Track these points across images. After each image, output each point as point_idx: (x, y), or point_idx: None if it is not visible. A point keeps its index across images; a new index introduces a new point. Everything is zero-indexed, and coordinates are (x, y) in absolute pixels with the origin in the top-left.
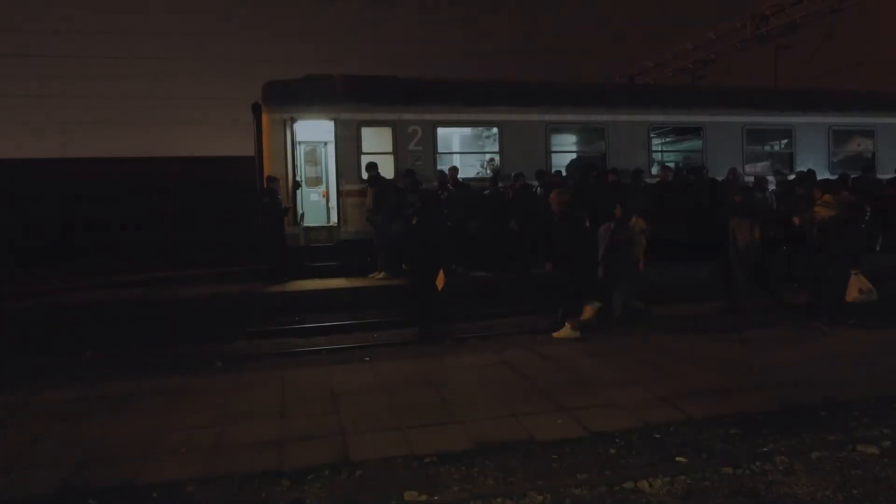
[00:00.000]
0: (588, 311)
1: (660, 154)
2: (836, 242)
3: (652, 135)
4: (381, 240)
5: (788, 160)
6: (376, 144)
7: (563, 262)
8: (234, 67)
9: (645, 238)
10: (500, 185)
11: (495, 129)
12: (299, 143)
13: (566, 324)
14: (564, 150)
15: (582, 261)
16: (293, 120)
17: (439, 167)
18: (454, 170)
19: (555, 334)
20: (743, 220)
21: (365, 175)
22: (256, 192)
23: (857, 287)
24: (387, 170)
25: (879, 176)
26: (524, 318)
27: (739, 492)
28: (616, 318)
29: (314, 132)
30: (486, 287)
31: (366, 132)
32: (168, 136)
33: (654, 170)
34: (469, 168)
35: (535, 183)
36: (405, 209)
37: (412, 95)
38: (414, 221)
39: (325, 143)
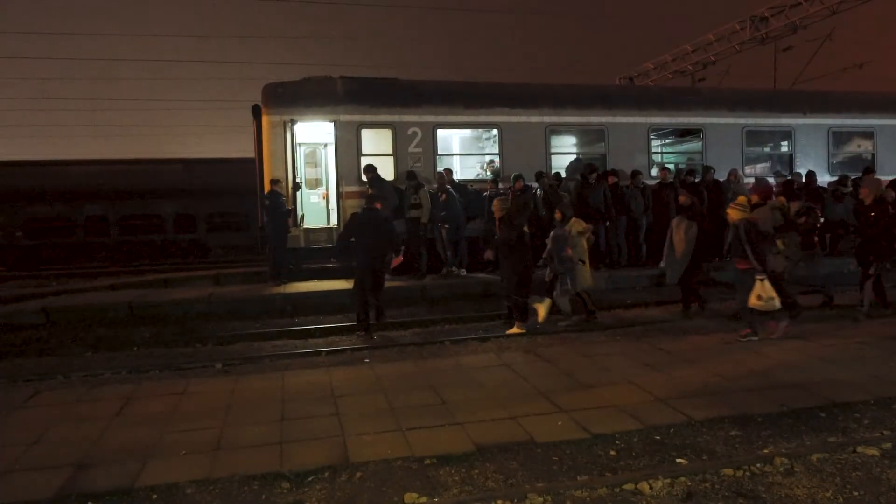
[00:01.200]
0: (541, 311)
1: (660, 155)
2: (742, 246)
3: (652, 136)
4: None
5: (788, 161)
6: (376, 146)
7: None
8: (233, 70)
9: (586, 240)
10: (500, 186)
11: (495, 131)
12: (299, 144)
13: (516, 323)
14: (564, 152)
15: (512, 265)
16: (293, 122)
17: (439, 169)
18: (448, 171)
19: (508, 331)
20: (682, 221)
21: (365, 177)
22: (259, 194)
23: (756, 293)
24: (387, 171)
25: (878, 177)
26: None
27: (740, 493)
28: (584, 318)
29: (314, 134)
30: (486, 288)
31: (366, 134)
32: (168, 137)
33: (654, 171)
34: (469, 170)
35: (535, 184)
36: (407, 210)
37: (412, 97)
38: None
39: (325, 145)
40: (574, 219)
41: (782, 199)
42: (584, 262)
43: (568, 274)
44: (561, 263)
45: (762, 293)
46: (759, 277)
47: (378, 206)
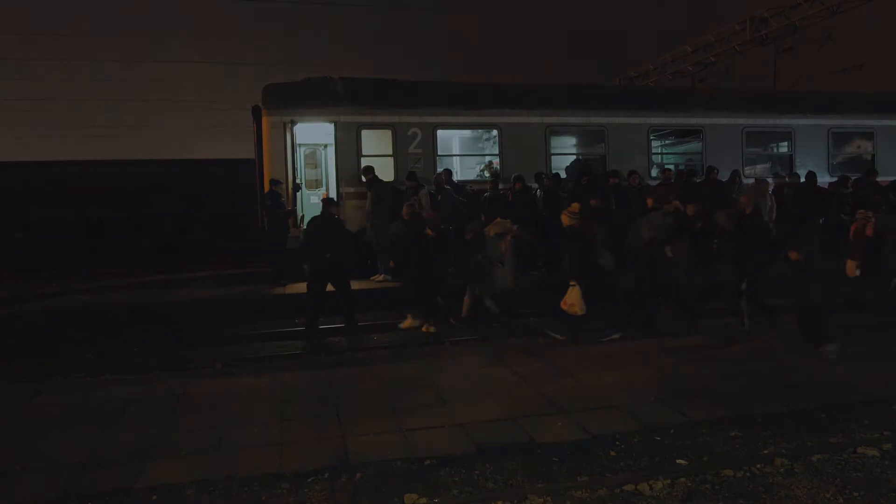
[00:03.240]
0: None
1: (660, 156)
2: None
3: (652, 137)
4: (381, 242)
5: (788, 162)
6: (376, 147)
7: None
8: (232, 70)
9: (505, 243)
10: (500, 187)
11: (495, 132)
12: (299, 145)
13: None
14: (564, 153)
15: (418, 265)
16: (293, 123)
17: (439, 170)
18: (447, 172)
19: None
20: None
21: (363, 178)
22: (259, 194)
23: (564, 297)
24: (387, 173)
25: (880, 178)
26: (523, 320)
27: (740, 494)
28: (463, 317)
29: (314, 135)
30: None
31: (366, 135)
32: (168, 138)
33: (654, 172)
34: (469, 170)
35: (535, 185)
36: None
37: (412, 98)
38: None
39: (325, 146)
40: (497, 220)
41: (677, 203)
42: (501, 264)
43: (482, 276)
44: (476, 264)
45: (567, 298)
46: (571, 283)
47: (335, 211)
